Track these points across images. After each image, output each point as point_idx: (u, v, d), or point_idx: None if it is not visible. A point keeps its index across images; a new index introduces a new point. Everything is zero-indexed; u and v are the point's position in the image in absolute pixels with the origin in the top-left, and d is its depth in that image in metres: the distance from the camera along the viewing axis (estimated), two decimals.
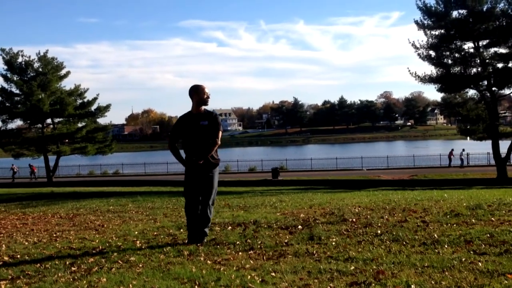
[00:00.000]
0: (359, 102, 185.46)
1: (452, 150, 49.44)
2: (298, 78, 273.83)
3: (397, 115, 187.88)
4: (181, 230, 7.91)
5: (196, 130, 6.65)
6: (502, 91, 38.87)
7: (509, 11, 35.71)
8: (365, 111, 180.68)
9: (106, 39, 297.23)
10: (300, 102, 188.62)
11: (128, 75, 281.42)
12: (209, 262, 5.45)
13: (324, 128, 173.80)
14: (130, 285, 4.54)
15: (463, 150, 49.42)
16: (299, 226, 7.46)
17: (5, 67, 44.33)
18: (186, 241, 6.71)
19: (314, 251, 5.66)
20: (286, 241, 6.37)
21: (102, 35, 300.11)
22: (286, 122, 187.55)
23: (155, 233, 7.79)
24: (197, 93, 6.73)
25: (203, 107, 6.82)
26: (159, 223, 9.11)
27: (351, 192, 18.53)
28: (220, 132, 6.88)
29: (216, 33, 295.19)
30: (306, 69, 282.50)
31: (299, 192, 21.12)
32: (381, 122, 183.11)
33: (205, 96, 6.75)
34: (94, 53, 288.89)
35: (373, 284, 4.12)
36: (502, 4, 36.06)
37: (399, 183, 34.10)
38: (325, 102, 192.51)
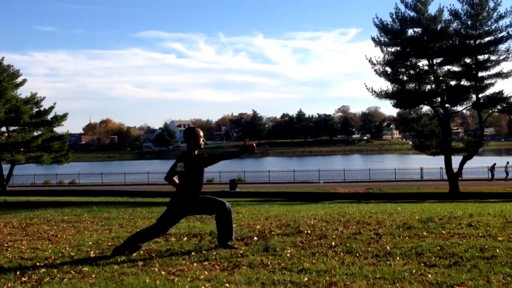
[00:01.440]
0: (317, 115, 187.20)
1: (495, 164, 48.79)
2: (257, 91, 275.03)
3: (354, 129, 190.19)
4: None
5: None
6: (455, 108, 39.87)
7: (462, 30, 36.68)
8: (323, 124, 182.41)
9: (64, 48, 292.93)
10: (259, 115, 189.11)
11: (86, 84, 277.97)
12: (163, 272, 5.40)
13: (283, 141, 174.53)
14: None
15: (508, 162, 48.50)
16: (255, 238, 7.46)
17: None
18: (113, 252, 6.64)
19: (269, 262, 5.66)
20: (241, 252, 6.36)
21: (60, 43, 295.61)
22: (245, 134, 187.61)
23: (110, 243, 7.68)
24: (194, 137, 7.05)
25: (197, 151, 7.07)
26: (114, 233, 8.98)
27: (308, 205, 18.64)
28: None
29: (175, 45, 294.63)
30: (265, 82, 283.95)
31: (256, 204, 21.12)
32: (339, 136, 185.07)
33: (201, 140, 7.10)
34: (51, 61, 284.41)
35: None
36: (455, 24, 37.04)
37: (355, 196, 34.47)
38: (283, 115, 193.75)
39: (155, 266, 5.73)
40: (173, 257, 6.28)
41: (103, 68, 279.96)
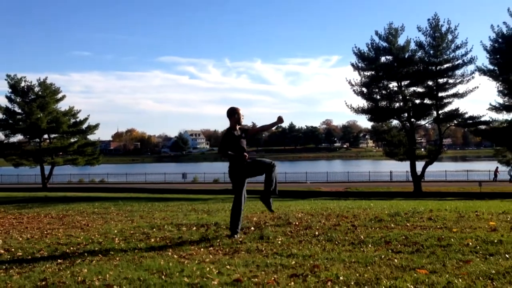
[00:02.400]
0: (305, 127, 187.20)
1: (497, 167, 46.86)
2: (257, 107, 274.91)
3: (336, 139, 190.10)
4: (154, 229, 7.77)
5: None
6: (419, 122, 39.94)
7: (425, 58, 36.77)
8: (310, 135, 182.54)
9: (97, 70, 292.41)
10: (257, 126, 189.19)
11: (115, 100, 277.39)
12: (175, 256, 5.37)
13: (277, 148, 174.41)
14: (107, 275, 4.43)
15: (497, 167, 46.48)
16: (252, 228, 7.43)
17: (10, 90, 44.19)
18: (230, 235, 6.64)
19: (263, 249, 5.63)
20: (240, 240, 6.33)
21: (93, 66, 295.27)
22: (246, 143, 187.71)
23: (132, 231, 7.64)
24: (237, 114, 6.92)
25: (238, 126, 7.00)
26: (136, 223, 8.93)
27: (296, 201, 18.57)
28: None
29: (189, 68, 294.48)
30: (263, 100, 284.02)
31: (254, 200, 21.00)
32: (323, 144, 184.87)
33: (241, 117, 6.99)
34: (86, 81, 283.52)
35: (309, 276, 4.12)
36: (420, 53, 37.15)
37: (336, 194, 34.42)
38: (278, 127, 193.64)
39: (168, 251, 5.70)
40: (183, 243, 6.24)
41: (129, 86, 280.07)
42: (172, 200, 20.66)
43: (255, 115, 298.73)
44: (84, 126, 46.91)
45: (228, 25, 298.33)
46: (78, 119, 46.80)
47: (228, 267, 4.64)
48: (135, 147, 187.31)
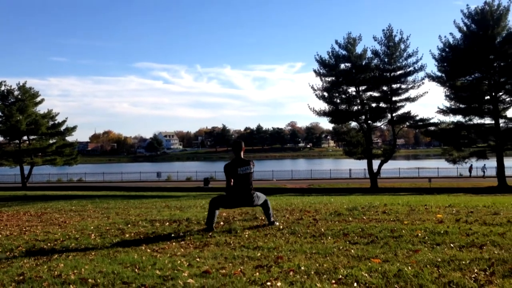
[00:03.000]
0: (272, 129, 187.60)
1: (471, 165, 45.67)
2: (226, 110, 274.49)
3: (300, 140, 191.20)
4: (129, 225, 7.67)
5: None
6: (375, 124, 40.54)
7: (381, 65, 37.39)
8: (276, 136, 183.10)
9: (74, 75, 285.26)
10: (227, 128, 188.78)
11: (92, 103, 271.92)
12: (148, 250, 5.31)
13: (246, 148, 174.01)
14: (83, 269, 4.34)
15: (484, 164, 45.39)
16: (221, 222, 7.41)
17: None
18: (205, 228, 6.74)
19: (231, 242, 5.62)
20: (210, 234, 6.30)
21: (71, 71, 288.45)
22: (216, 143, 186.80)
23: (107, 228, 7.52)
24: (242, 147, 7.23)
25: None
26: (112, 220, 8.80)
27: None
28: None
29: (162, 73, 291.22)
30: (232, 103, 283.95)
31: None
32: (288, 145, 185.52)
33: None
34: (64, 85, 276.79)
35: (273, 267, 4.13)
36: (376, 61, 37.73)
37: (300, 191, 34.65)
38: (246, 128, 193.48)
39: (142, 246, 5.63)
40: (157, 238, 6.18)
41: (105, 90, 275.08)
42: (147, 197, 20.40)
43: (225, 118, 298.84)
44: (62, 128, 46.16)
45: (200, 33, 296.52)
46: (56, 121, 46.05)
47: (198, 259, 4.62)
48: (112, 147, 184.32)
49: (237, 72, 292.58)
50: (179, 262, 4.49)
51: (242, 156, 7.01)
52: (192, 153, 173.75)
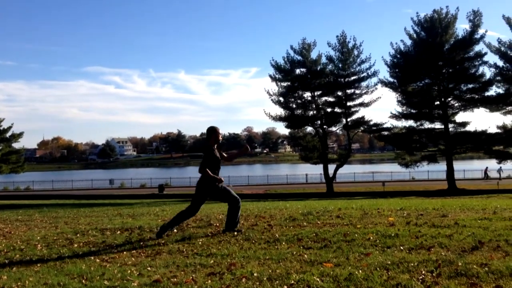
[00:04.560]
0: (228, 134, 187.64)
1: (487, 167, 46.57)
2: (181, 115, 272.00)
3: (256, 145, 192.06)
4: (78, 235, 7.45)
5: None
6: (331, 128, 41.35)
7: (335, 71, 38.17)
8: (232, 141, 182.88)
9: (21, 79, 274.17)
10: (183, 133, 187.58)
11: (40, 108, 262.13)
12: (97, 260, 5.17)
13: (201, 154, 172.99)
14: (27, 281, 4.18)
15: (500, 167, 44.93)
16: (175, 230, 7.31)
17: None
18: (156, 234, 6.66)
19: (184, 249, 5.56)
20: (162, 242, 6.21)
21: (17, 75, 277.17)
22: (171, 148, 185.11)
23: (55, 238, 7.26)
24: (215, 134, 7.01)
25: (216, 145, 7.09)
26: (60, 230, 8.50)
27: (219, 203, 18.49)
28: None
29: (114, 78, 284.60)
30: (187, 108, 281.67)
31: (179, 203, 20.80)
32: None
33: (220, 137, 7.12)
34: (9, 89, 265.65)
35: (226, 274, 4.12)
36: (330, 66, 38.50)
37: (256, 196, 34.74)
38: (202, 134, 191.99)
39: (91, 255, 5.48)
40: (107, 247, 6.03)
41: (54, 95, 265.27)
42: (98, 205, 19.90)
43: (180, 123, 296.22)
44: (8, 134, 44.19)
45: (152, 37, 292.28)
46: (1, 128, 43.99)
47: (149, 268, 4.54)
48: (62, 154, 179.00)
49: (192, 77, 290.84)
50: (129, 271, 4.40)
51: (211, 143, 7.08)
52: (146, 160, 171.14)
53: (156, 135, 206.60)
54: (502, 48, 35.33)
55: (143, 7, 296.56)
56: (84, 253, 5.69)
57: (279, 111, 39.60)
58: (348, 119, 38.97)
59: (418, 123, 38.39)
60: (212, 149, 6.98)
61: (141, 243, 6.22)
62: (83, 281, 4.12)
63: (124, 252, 5.61)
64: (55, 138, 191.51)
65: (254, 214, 9.48)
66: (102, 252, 5.68)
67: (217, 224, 7.74)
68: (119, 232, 7.52)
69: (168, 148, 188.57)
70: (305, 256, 4.80)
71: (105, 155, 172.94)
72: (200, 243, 5.99)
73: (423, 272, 3.84)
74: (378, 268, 4.04)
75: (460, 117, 39.90)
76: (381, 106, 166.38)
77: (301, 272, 4.05)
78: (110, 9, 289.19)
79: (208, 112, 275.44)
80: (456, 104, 37.64)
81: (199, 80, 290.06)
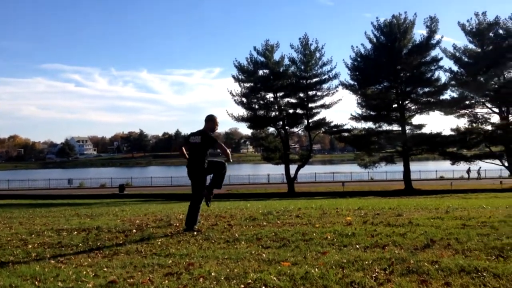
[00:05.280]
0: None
1: (469, 167, 47.02)
2: (143, 114, 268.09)
3: None
4: (32, 235, 7.21)
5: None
6: (292, 129, 41.73)
7: (297, 73, 38.54)
8: None
9: None
10: (145, 133, 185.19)
11: None
12: (52, 261, 5.02)
13: (164, 153, 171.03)
14: None
15: (480, 167, 46.84)
16: (134, 230, 7.21)
17: None
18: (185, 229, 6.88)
19: (143, 250, 5.48)
20: (121, 242, 6.10)
21: None
22: (133, 148, 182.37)
23: (9, 238, 7.01)
24: (212, 122, 7.07)
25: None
26: (14, 230, 8.20)
27: (180, 203, 18.39)
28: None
29: (74, 76, 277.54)
30: (149, 108, 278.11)
31: (140, 203, 20.52)
32: None
33: (216, 126, 7.18)
34: None
35: (184, 274, 4.09)
36: (293, 68, 38.85)
37: (218, 196, 34.49)
38: (164, 133, 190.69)
39: (46, 257, 5.31)
40: (63, 248, 5.86)
41: (9, 93, 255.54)
42: (55, 205, 19.35)
43: (142, 123, 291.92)
44: None
45: (114, 35, 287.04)
46: None
47: (105, 269, 4.45)
48: (19, 153, 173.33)
49: (154, 76, 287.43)
50: (84, 272, 4.30)
51: (203, 128, 7.07)
52: (107, 159, 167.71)
53: (117, 134, 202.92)
54: (457, 54, 36.65)
55: (104, 5, 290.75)
56: (38, 254, 5.52)
57: (242, 111, 39.72)
58: (310, 120, 39.44)
59: (377, 125, 39.26)
60: (211, 134, 7.07)
61: (99, 243, 6.09)
62: (36, 282, 3.99)
63: (81, 253, 5.47)
64: (11, 137, 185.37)
65: (214, 214, 9.46)
66: (57, 253, 5.51)
67: (177, 224, 7.69)
68: (76, 232, 7.34)
69: (130, 148, 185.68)
70: (264, 255, 4.81)
71: (64, 154, 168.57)
72: (159, 243, 5.92)
73: (377, 270, 3.93)
74: (334, 267, 4.10)
75: (416, 119, 41.07)
76: (342, 108, 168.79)
77: (258, 271, 4.07)
78: (70, 5, 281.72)
79: (170, 111, 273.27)
80: (413, 107, 38.72)
81: (161, 79, 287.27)
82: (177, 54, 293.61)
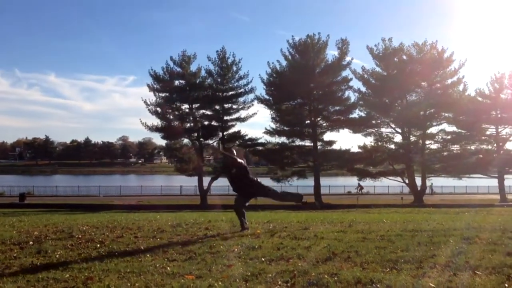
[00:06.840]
0: (101, 142, 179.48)
1: (359, 184, 44.90)
2: (50, 120, 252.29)
3: (131, 155, 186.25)
4: None
5: None
6: (207, 141, 41.64)
7: (214, 85, 38.74)
8: (106, 150, 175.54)
9: None
10: (51, 140, 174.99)
11: None
12: None
13: (71, 162, 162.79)
14: None
15: (432, 183, 47.02)
16: (30, 242, 6.74)
17: None
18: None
19: (39, 263, 5.14)
20: (15, 255, 5.69)
21: None
22: (37, 155, 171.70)
23: None
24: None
25: None
26: None
27: (86, 214, 17.58)
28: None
29: None
30: (57, 113, 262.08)
31: (41, 214, 19.30)
32: (119, 159, 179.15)
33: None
34: None
35: None
36: (209, 80, 39.01)
37: (128, 207, 33.54)
38: (73, 141, 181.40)
39: None
40: None
41: None
42: None
43: (49, 129, 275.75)
44: None
45: (18, 34, 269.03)
46: None
47: None
48: None
49: (63, 81, 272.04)
50: None
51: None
52: (7, 166, 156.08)
53: (20, 140, 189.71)
54: (365, 76, 38.90)
55: (9, 3, 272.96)
56: None
57: (156, 121, 39.02)
58: (225, 133, 39.65)
59: (290, 140, 40.40)
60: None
61: None
62: None
63: None
64: None
65: (121, 225, 9.12)
66: None
67: (79, 236, 7.32)
68: None
69: (34, 155, 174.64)
70: (168, 268, 4.73)
71: None
72: (57, 256, 5.59)
73: (279, 283, 4.00)
74: (237, 280, 4.12)
75: (327, 136, 42.99)
76: (257, 122, 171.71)
77: (161, 285, 3.98)
78: None
79: (81, 118, 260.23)
80: (324, 124, 40.39)
81: (71, 84, 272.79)
82: (88, 59, 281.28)
